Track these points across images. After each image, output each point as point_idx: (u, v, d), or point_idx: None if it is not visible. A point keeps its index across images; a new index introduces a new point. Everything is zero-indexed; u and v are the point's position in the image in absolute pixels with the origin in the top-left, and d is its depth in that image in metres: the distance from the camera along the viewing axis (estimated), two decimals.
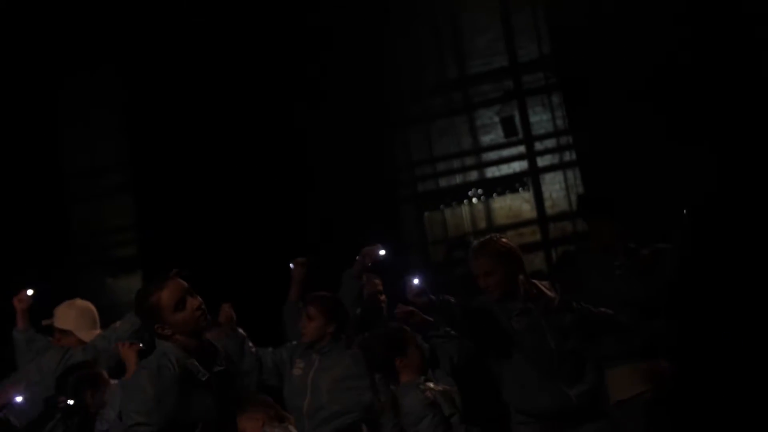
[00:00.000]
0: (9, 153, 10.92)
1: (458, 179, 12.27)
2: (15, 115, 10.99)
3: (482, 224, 11.89)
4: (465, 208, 12.08)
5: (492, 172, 12.07)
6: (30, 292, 7.31)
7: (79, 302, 7.38)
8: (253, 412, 5.62)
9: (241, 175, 11.28)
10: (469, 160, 12.26)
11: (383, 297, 7.36)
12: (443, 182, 12.28)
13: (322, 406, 6.25)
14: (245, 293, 7.48)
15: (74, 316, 7.24)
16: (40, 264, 10.73)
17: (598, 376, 5.96)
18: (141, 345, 5.86)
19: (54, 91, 11.76)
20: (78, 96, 12.08)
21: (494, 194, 12.01)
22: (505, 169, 12.02)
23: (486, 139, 12.17)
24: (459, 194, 12.15)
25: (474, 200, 12.04)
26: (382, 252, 7.09)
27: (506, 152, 12.05)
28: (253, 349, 6.55)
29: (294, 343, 6.70)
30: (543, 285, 5.99)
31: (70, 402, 6.18)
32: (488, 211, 11.98)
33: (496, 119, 12.02)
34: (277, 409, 5.77)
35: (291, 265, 7.28)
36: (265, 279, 8.14)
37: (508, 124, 11.90)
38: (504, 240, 5.94)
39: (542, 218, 11.86)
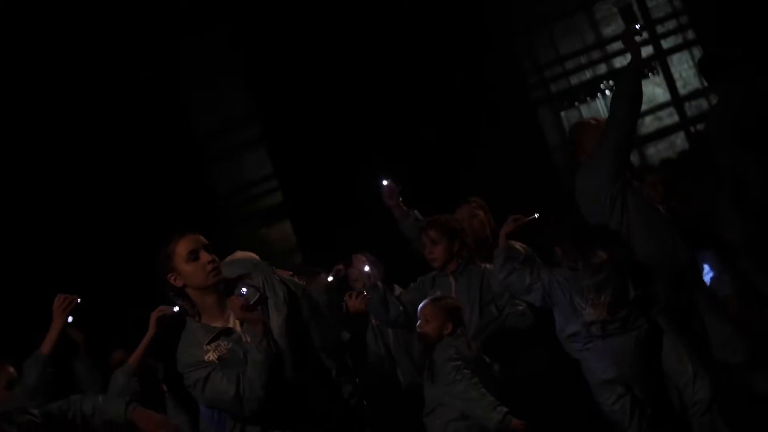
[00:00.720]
0: (142, 125, 11.09)
1: (588, 74, 12.37)
2: (139, 84, 11.12)
3: None
4: (599, 102, 12.16)
5: (619, 62, 12.01)
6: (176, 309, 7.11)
7: (240, 253, 7.41)
8: (440, 318, 5.80)
9: (367, 108, 11.35)
10: (595, 54, 12.34)
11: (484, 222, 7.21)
12: (574, 80, 12.36)
13: (471, 323, 6.31)
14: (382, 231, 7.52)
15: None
16: (192, 228, 10.91)
17: None
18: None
19: (174, 56, 11.89)
20: (198, 58, 12.24)
21: None
22: None
23: (608, 30, 12.22)
24: (591, 89, 12.25)
25: (607, 92, 12.04)
26: (386, 182, 7.06)
27: None
28: (393, 297, 6.60)
29: (415, 283, 6.74)
30: None
31: None
32: None
33: (615, 10, 12.06)
34: (458, 318, 5.92)
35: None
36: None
37: (627, 13, 11.96)
38: None
39: (676, 99, 11.95)
